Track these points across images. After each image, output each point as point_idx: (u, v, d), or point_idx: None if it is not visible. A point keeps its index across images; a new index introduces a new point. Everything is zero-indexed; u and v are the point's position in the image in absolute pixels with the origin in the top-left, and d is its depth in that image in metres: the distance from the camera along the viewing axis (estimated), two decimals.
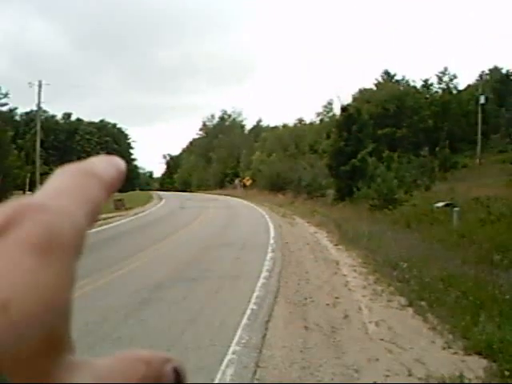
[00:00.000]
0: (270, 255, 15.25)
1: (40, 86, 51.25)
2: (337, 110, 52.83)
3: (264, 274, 12.49)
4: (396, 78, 67.12)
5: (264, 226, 23.85)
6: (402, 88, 63.10)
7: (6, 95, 71.28)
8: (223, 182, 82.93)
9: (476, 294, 9.75)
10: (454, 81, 62.48)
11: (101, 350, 6.62)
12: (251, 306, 9.49)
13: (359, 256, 14.75)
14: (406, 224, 21.68)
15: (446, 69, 62.45)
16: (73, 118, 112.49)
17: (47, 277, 0.28)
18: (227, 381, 6.09)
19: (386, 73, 67.94)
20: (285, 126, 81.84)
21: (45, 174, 53.68)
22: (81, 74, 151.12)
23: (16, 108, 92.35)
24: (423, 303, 9.53)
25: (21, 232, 0.29)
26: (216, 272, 12.71)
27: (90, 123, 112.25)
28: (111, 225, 24.28)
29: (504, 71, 65.55)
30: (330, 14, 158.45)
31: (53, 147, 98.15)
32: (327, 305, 9.68)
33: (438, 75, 62.44)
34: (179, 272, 12.71)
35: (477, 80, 64.09)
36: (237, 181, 71.86)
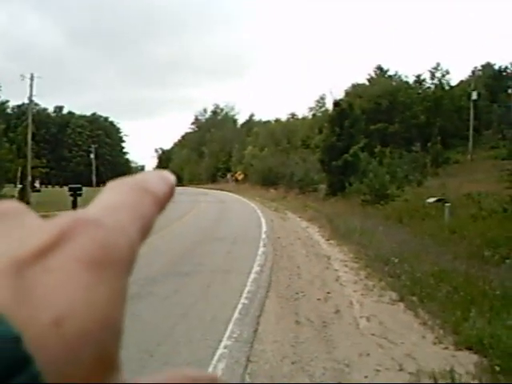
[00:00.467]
0: (261, 250, 15.25)
1: (32, 78, 50.96)
2: (329, 105, 52.91)
3: (256, 268, 12.49)
4: (389, 73, 67.22)
5: (256, 221, 23.86)
6: (394, 83, 63.15)
7: None
8: (215, 176, 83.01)
9: (467, 290, 9.78)
10: (447, 76, 62.59)
11: None
12: (243, 300, 9.49)
13: (351, 251, 14.77)
14: (398, 219, 21.75)
15: (438, 64, 62.55)
16: (64, 111, 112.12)
17: (102, 294, 0.29)
18: (219, 375, 6.08)
19: (379, 68, 68.01)
20: (277, 120, 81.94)
21: (36, 168, 53.53)
22: (74, 68, 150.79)
23: (8, 101, 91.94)
24: (414, 298, 9.55)
25: (76, 247, 0.29)
26: (208, 266, 12.70)
27: (82, 116, 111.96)
28: None
29: (496, 67, 65.78)
30: (323, 10, 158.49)
31: (44, 140, 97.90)
32: (318, 299, 9.69)
33: (430, 71, 62.57)
34: (171, 266, 12.70)
35: (469, 76, 64.40)
36: (229, 175, 71.93)
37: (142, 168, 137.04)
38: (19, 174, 47.62)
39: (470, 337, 7.27)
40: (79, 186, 22.74)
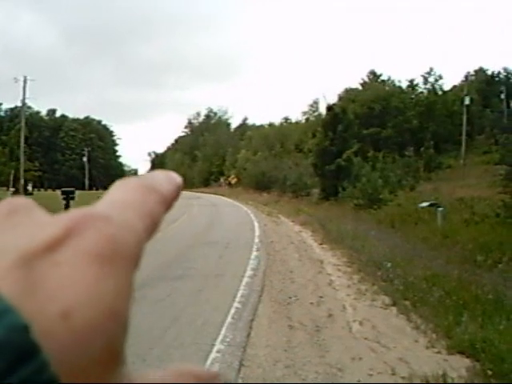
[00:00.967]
0: (254, 254, 15.25)
1: (25, 81, 50.91)
2: (322, 110, 53.05)
3: (248, 272, 12.48)
4: (382, 78, 67.49)
5: (249, 225, 23.85)
6: (387, 88, 63.34)
7: None
8: (208, 180, 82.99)
9: (459, 294, 9.81)
10: (440, 81, 62.79)
11: None
12: (236, 304, 9.48)
13: (344, 255, 14.78)
14: (391, 224, 21.80)
15: (431, 69, 62.75)
16: (57, 114, 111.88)
17: (109, 287, 0.29)
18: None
19: (372, 73, 68.26)
20: (271, 124, 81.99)
21: (29, 171, 53.39)
22: (67, 70, 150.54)
23: (0, 104, 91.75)
24: (407, 302, 9.57)
25: (84, 242, 0.30)
26: (200, 270, 12.68)
27: (75, 120, 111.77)
28: None
29: (489, 72, 66.06)
30: (318, 15, 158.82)
31: (37, 143, 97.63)
32: (311, 304, 9.69)
33: (423, 76, 62.75)
34: (163, 270, 12.66)
35: (462, 81, 64.55)
36: (222, 179, 71.94)
37: (135, 172, 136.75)
38: (12, 177, 47.54)
39: (462, 341, 7.28)
40: (72, 189, 22.69)
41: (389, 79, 66.57)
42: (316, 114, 69.03)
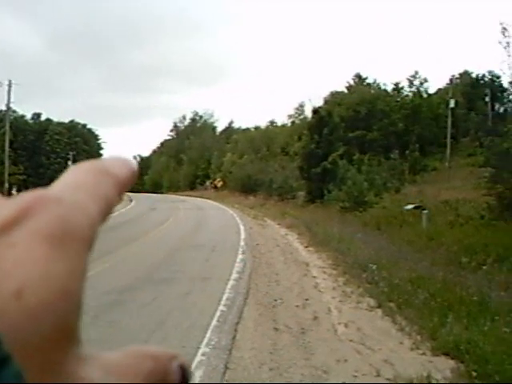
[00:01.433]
0: (240, 257, 15.23)
1: (10, 85, 50.59)
2: (308, 113, 53.10)
3: (234, 275, 12.47)
4: (367, 81, 67.55)
5: (235, 228, 23.83)
6: (373, 91, 63.46)
7: None
8: (194, 183, 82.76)
9: (444, 296, 9.86)
10: (425, 84, 62.94)
11: None
12: (221, 307, 9.47)
13: (329, 258, 14.81)
14: (376, 226, 21.86)
15: (416, 72, 62.88)
16: (42, 118, 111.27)
17: (61, 266, 0.29)
18: (196, 382, 6.07)
19: (358, 76, 68.35)
20: (256, 127, 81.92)
21: (13, 175, 53.02)
22: (52, 74, 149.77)
23: None
24: (392, 304, 9.61)
25: (36, 222, 0.30)
26: (186, 273, 12.65)
27: (60, 123, 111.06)
28: None
29: (474, 75, 66.38)
30: (303, 18, 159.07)
31: (22, 147, 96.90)
32: (297, 306, 9.70)
33: (408, 79, 62.89)
34: (149, 273, 12.63)
35: (447, 84, 64.70)
36: (208, 182, 71.83)
37: None
38: None
39: (447, 343, 7.32)
40: None
41: (374, 82, 66.72)
42: (302, 117, 69.06)
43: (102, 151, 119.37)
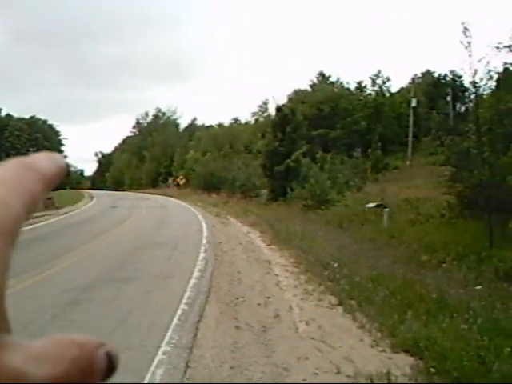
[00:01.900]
0: (202, 255, 15.17)
1: None
2: (272, 111, 53.13)
3: (196, 274, 12.42)
4: (331, 79, 67.85)
5: (197, 226, 23.73)
6: (336, 90, 63.80)
7: None
8: (157, 180, 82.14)
9: (404, 293, 9.97)
10: (387, 83, 63.52)
11: None
12: (182, 306, 9.43)
13: (291, 256, 14.85)
14: (338, 224, 21.99)
15: (379, 72, 63.41)
16: (2, 113, 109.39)
17: None
18: (157, 381, 6.03)
19: (321, 74, 68.57)
20: (220, 125, 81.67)
21: None
22: (13, 69, 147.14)
23: None
24: (353, 302, 9.67)
25: None
26: (148, 272, 12.57)
27: (20, 119, 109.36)
28: (40, 224, 23.65)
29: (436, 75, 67.21)
30: (266, 16, 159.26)
31: None
32: (258, 304, 9.70)
33: (371, 78, 63.45)
34: (110, 272, 12.51)
35: (409, 83, 65.36)
36: (170, 180, 71.43)
37: (81, 172, 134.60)
38: None
39: (406, 340, 7.39)
40: None
41: (337, 81, 66.98)
42: (265, 114, 69.07)
43: (63, 148, 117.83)
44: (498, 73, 24.35)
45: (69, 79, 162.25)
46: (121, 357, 0.37)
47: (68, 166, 0.42)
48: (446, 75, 66.03)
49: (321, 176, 30.41)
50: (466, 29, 17.57)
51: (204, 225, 24.12)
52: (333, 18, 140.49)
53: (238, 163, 47.83)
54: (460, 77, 56.69)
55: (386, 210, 21.34)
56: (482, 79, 21.29)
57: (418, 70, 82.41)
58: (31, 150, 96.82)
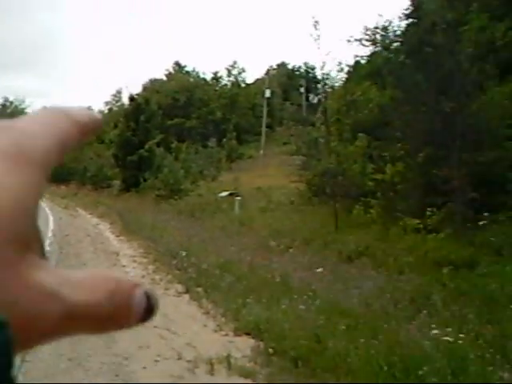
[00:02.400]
0: (46, 249, 14.58)
1: None
2: (126, 100, 52.24)
3: None
4: (187, 69, 67.74)
5: (43, 219, 22.80)
6: (192, 79, 63.84)
7: None
8: None
9: (250, 279, 10.19)
10: (243, 74, 64.58)
11: None
12: None
13: (141, 246, 14.72)
14: (191, 213, 22.08)
15: (235, 62, 64.16)
16: None
17: (14, 183, 0.31)
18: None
19: (177, 64, 68.30)
20: None
21: None
22: None
23: None
24: (200, 289, 9.75)
25: None
26: None
27: None
28: None
29: (290, 67, 69.02)
30: (122, 1, 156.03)
31: None
32: None
33: (227, 68, 64.04)
34: None
35: (265, 74, 66.70)
36: None
37: None
38: None
39: (248, 323, 7.56)
40: None
41: (193, 71, 67.11)
42: (119, 104, 67.83)
43: None
44: (349, 65, 25.44)
45: None
46: None
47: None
48: (300, 67, 68.05)
49: (174, 166, 30.39)
50: (316, 22, 18.21)
51: (51, 217, 23.22)
52: (190, 7, 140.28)
53: (89, 153, 46.59)
54: (313, 68, 58.58)
55: (238, 198, 21.70)
56: (329, 72, 22.15)
57: (274, 62, 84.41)
58: None
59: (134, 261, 12.84)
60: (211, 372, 6.01)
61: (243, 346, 6.82)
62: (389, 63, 18.67)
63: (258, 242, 15.22)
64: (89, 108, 0.42)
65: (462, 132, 14.97)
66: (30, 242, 0.32)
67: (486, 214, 14.92)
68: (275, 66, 70.79)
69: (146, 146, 34.13)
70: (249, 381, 5.81)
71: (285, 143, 50.90)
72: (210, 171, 35.88)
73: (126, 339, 7.03)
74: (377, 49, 21.71)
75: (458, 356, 5.64)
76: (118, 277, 0.34)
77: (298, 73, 68.54)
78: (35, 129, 0.35)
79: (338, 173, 18.47)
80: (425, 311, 7.81)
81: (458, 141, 14.89)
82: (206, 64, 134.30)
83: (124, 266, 12.30)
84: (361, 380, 5.44)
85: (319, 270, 11.57)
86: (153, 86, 61.68)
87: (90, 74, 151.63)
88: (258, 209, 21.40)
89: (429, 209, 15.65)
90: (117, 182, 36.54)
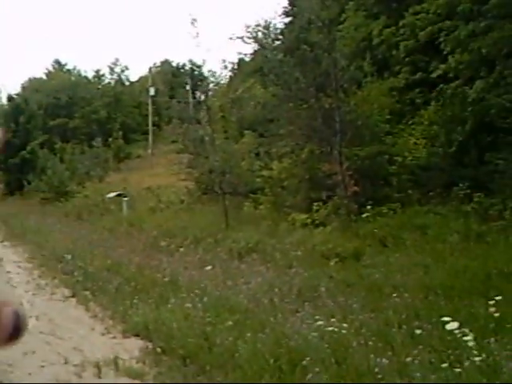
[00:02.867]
0: None
1: None
2: (4, 100, 50.25)
3: None
4: (67, 67, 65.75)
5: None
6: (73, 78, 62.11)
7: None
8: None
9: (138, 280, 10.17)
10: (126, 72, 63.32)
11: None
12: None
13: (26, 251, 14.38)
14: (78, 216, 21.70)
15: (117, 60, 62.86)
16: None
17: None
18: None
19: (57, 62, 66.18)
20: None
21: None
22: None
23: None
24: (87, 293, 9.67)
25: None
26: None
27: None
28: None
29: (175, 64, 68.51)
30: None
31: None
32: None
33: (109, 66, 62.69)
34: None
35: (149, 72, 65.87)
36: None
37: None
38: None
39: (137, 324, 7.58)
40: None
41: (74, 69, 65.15)
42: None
43: None
44: (232, 63, 25.77)
45: None
46: None
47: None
48: (184, 64, 67.73)
49: (59, 167, 29.64)
50: (193, 20, 18.31)
51: None
52: (68, 3, 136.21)
53: None
54: (199, 66, 58.49)
55: (126, 199, 21.52)
56: (212, 69, 22.33)
57: (158, 59, 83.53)
58: None
59: (19, 266, 12.53)
60: (98, 375, 6.02)
61: (131, 348, 6.85)
62: (268, 61, 19.03)
63: (148, 243, 15.18)
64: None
65: (342, 128, 15.51)
66: None
67: (369, 206, 15.60)
68: (159, 64, 70.12)
69: (28, 148, 33.13)
70: (137, 381, 5.86)
71: (173, 141, 50.28)
72: (96, 172, 35.11)
73: (9, 347, 6.89)
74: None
75: (341, 345, 5.88)
76: None
77: (182, 70, 68.17)
78: None
79: (225, 170, 18.63)
80: (311, 303, 8.04)
81: (337, 136, 15.40)
82: (88, 62, 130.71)
83: (8, 272, 11.95)
84: (248, 374, 5.58)
85: (208, 268, 11.70)
86: (32, 86, 59.54)
87: None
88: (147, 209, 21.32)
89: (315, 203, 16.16)
90: (0, 186, 35.26)
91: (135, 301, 8.62)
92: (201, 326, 7.06)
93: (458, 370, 4.71)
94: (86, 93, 56.21)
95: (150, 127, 51.18)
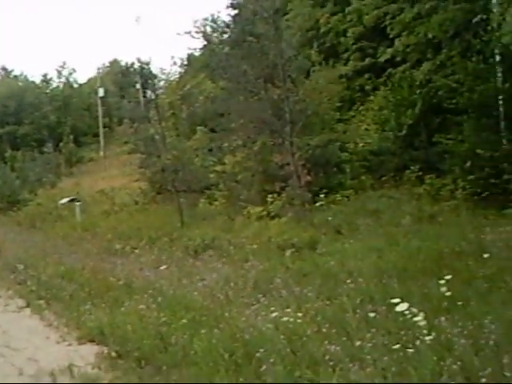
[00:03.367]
0: None
1: None
2: None
3: None
4: (14, 73, 64.64)
5: None
6: (21, 84, 61.04)
7: None
8: None
9: (92, 284, 10.05)
10: (74, 75, 62.50)
11: None
12: None
13: None
14: (31, 224, 21.38)
15: (64, 63, 61.93)
16: None
17: None
18: None
19: (3, 69, 65.04)
20: None
21: None
22: None
23: None
24: (41, 302, 9.53)
25: None
26: None
27: None
28: None
29: (124, 63, 67.82)
30: None
31: None
32: None
33: (57, 69, 61.73)
34: None
35: (97, 73, 65.03)
36: None
37: None
38: None
39: (92, 329, 7.49)
40: None
41: (21, 74, 64.08)
42: None
43: None
44: (182, 58, 25.55)
45: None
46: None
47: None
48: (133, 63, 67.05)
49: (9, 176, 29.13)
50: (138, 17, 18.20)
51: None
52: (11, 8, 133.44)
53: None
54: (148, 64, 57.94)
55: (79, 204, 21.26)
56: (160, 67, 22.14)
57: (106, 60, 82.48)
58: None
59: None
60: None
61: (87, 354, 6.77)
62: (215, 55, 19.00)
63: (102, 247, 15.05)
64: None
65: (292, 118, 15.59)
66: None
67: (322, 195, 15.73)
68: (108, 64, 69.34)
69: None
70: None
71: (125, 142, 49.98)
72: (48, 178, 34.63)
73: None
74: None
75: (296, 334, 5.91)
76: None
77: (132, 69, 67.49)
78: None
79: (177, 168, 18.55)
80: (267, 295, 8.04)
81: (288, 127, 15.47)
82: (34, 67, 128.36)
83: None
84: (203, 370, 5.57)
85: (163, 267, 11.66)
86: None
87: None
88: (101, 212, 21.12)
89: (270, 195, 16.24)
90: None
91: (89, 306, 8.53)
92: (156, 327, 7.02)
93: (411, 350, 4.78)
94: (34, 98, 55.30)
95: (101, 129, 50.63)
